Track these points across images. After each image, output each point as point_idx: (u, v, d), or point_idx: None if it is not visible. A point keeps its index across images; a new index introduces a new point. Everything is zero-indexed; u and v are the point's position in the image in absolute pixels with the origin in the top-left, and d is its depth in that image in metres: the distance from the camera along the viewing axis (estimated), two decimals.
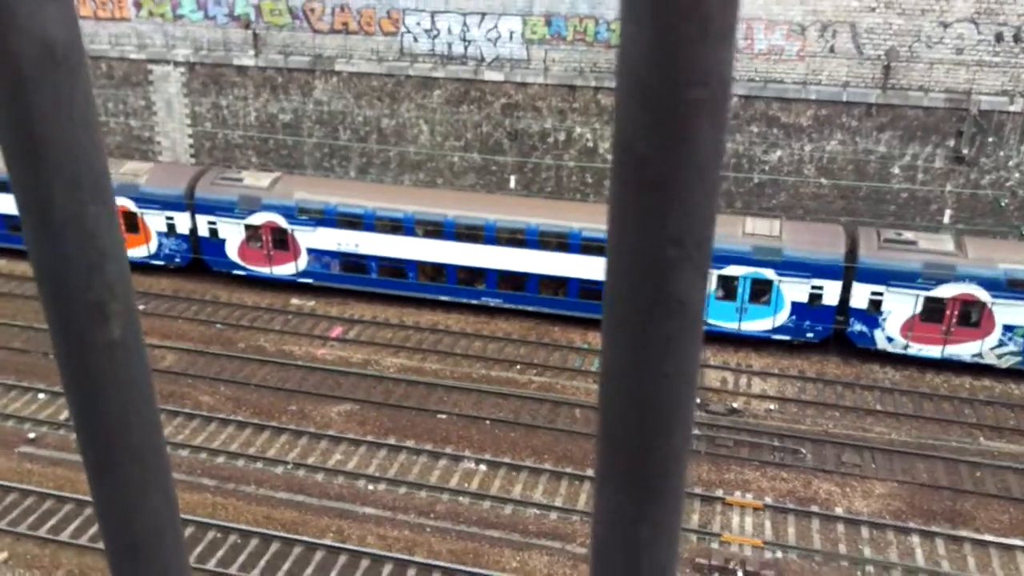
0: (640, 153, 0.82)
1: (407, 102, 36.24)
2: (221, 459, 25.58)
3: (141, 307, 33.28)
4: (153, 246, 35.14)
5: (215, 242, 34.57)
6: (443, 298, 33.00)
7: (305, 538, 22.50)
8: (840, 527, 23.22)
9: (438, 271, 32.82)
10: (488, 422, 27.12)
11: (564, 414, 27.53)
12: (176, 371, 29.40)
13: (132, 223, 34.69)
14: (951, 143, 31.99)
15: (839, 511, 23.68)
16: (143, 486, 1.09)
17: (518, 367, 29.97)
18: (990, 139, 31.65)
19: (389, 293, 33.50)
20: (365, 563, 21.92)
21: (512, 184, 36.04)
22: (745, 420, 27.30)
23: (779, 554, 22.40)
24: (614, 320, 0.88)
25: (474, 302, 32.76)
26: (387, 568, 21.78)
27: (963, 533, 22.80)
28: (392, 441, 26.28)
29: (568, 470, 25.08)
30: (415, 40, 35.63)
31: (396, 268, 33.08)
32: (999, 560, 22.09)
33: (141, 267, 35.32)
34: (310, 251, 33.55)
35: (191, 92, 38.18)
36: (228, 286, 34.98)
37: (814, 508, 23.75)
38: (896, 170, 32.73)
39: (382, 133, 36.91)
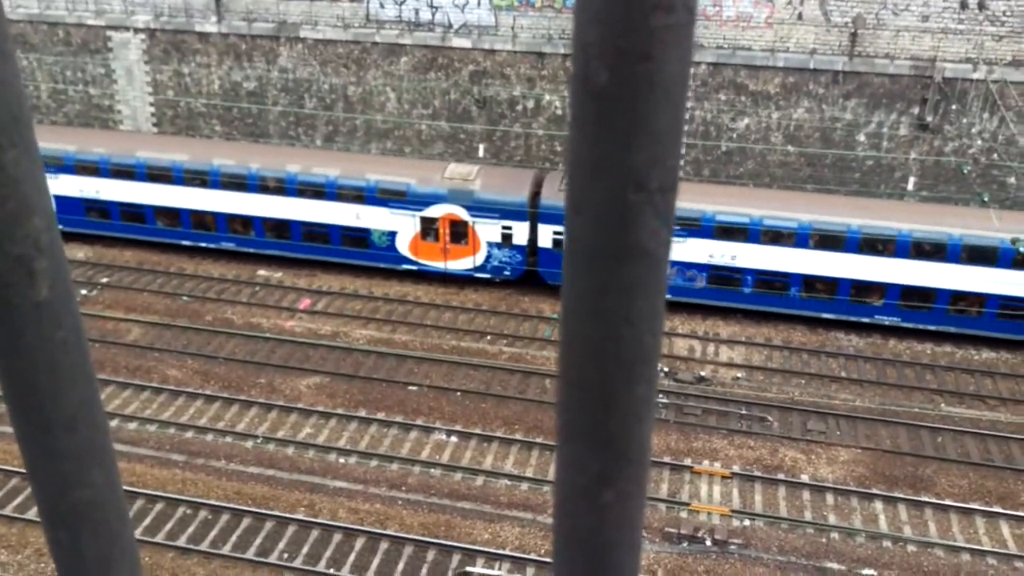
0: (600, 85, 0.76)
1: (374, 69, 35.78)
2: (190, 434, 25.45)
3: (104, 279, 32.83)
4: (480, 257, 31.99)
5: (559, 254, 30.72)
6: (827, 315, 30.20)
7: (276, 513, 22.51)
8: (806, 494, 23.65)
9: (830, 286, 29.73)
10: (459, 393, 27.19)
11: (535, 384, 27.66)
12: (142, 345, 29.10)
13: (461, 232, 31.73)
14: (915, 111, 32.23)
15: (805, 478, 24.12)
16: (79, 456, 1.04)
17: (488, 338, 30.01)
18: (953, 106, 31.92)
19: (763, 310, 30.66)
20: (337, 537, 22.00)
21: (481, 153, 35.82)
22: (713, 388, 27.61)
23: (746, 522, 22.80)
24: (574, 266, 0.85)
25: (865, 320, 30.02)
26: (359, 542, 21.88)
27: (925, 498, 23.33)
28: (362, 414, 26.28)
29: (539, 440, 25.26)
30: (381, 6, 35.11)
31: (777, 282, 30.13)
32: (959, 524, 22.65)
33: (464, 280, 32.79)
34: (674, 263, 30.05)
35: (152, 59, 37.38)
36: (193, 258, 34.56)
37: (780, 476, 24.16)
38: (861, 137, 32.95)
39: (348, 101, 36.45)
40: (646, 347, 0.87)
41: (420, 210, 31.61)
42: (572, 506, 0.95)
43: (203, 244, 34.12)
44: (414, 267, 32.67)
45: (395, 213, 31.83)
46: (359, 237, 32.57)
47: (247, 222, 33.39)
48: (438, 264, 32.43)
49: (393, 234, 32.27)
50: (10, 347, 0.97)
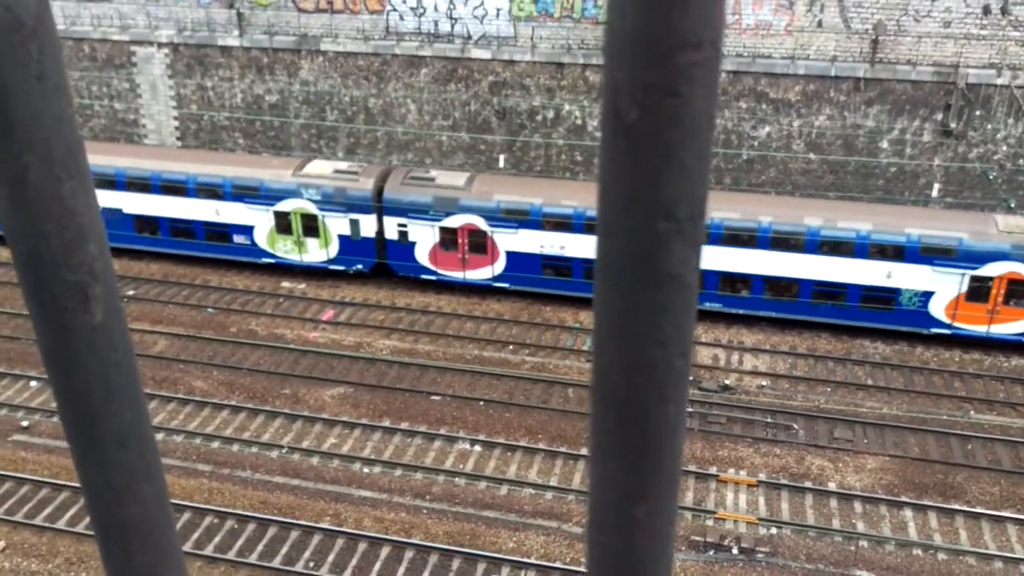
0: (630, 120, 0.80)
1: (394, 81, 35.99)
2: (216, 444, 25.57)
3: (131, 292, 33.11)
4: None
5: None
6: None
7: (302, 522, 22.55)
8: (833, 502, 23.44)
9: None
10: (482, 403, 27.17)
11: (557, 394, 27.61)
12: (168, 356, 29.29)
13: (1020, 292, 28.52)
14: (939, 117, 32.04)
15: (832, 486, 23.91)
16: (130, 472, 1.08)
17: (511, 347, 30.00)
18: (978, 112, 31.72)
19: None
20: (363, 546, 22.00)
21: (501, 163, 35.92)
22: (737, 397, 27.46)
23: (773, 530, 22.62)
24: (606, 291, 0.87)
25: None
26: (384, 551, 21.87)
27: (955, 506, 23.06)
28: (386, 423, 26.31)
29: (562, 449, 25.18)
30: (401, 18, 35.34)
31: None
32: (991, 532, 22.37)
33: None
34: None
35: (175, 74, 37.77)
36: (218, 270, 34.80)
37: (807, 484, 23.95)
38: (884, 144, 32.79)
39: (369, 113, 36.67)
40: (676, 368, 0.90)
41: (972, 268, 28.44)
42: (605, 521, 0.98)
43: None
44: (947, 331, 29.42)
45: (937, 272, 28.75)
46: (884, 297, 29.44)
47: (746, 281, 30.43)
48: (980, 328, 29.17)
49: (928, 295, 29.10)
50: (67, 369, 1.02)
